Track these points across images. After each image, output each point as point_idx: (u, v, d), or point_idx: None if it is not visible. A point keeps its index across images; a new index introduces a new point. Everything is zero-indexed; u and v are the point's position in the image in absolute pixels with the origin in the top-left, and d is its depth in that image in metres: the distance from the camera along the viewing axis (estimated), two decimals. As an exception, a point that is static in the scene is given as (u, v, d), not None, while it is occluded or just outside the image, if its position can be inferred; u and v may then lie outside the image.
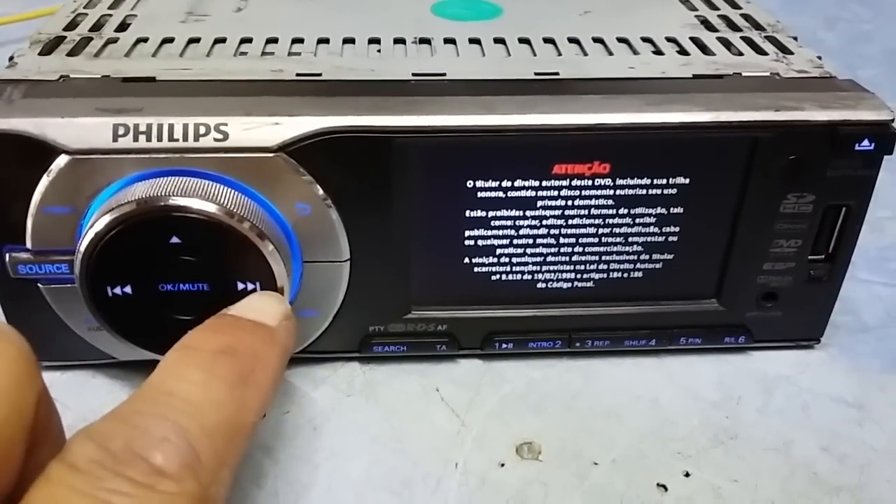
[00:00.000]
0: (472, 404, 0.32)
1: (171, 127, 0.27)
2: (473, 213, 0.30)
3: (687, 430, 0.31)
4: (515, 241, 0.31)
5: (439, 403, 0.32)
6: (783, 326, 0.33)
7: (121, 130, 0.27)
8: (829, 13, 0.70)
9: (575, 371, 0.34)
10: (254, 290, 0.28)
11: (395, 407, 0.32)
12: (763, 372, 0.34)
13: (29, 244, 0.28)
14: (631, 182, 0.30)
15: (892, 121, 0.29)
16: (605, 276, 0.32)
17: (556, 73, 0.31)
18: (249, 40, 0.34)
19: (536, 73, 0.31)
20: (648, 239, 0.31)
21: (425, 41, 0.34)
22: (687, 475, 0.29)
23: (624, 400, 0.32)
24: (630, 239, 0.31)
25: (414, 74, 0.31)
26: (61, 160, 0.27)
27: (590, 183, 0.30)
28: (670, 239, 0.31)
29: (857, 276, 0.39)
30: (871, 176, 0.30)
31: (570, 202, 0.30)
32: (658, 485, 0.29)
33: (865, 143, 0.29)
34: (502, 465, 0.29)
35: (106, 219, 0.26)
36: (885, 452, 0.30)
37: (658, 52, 0.34)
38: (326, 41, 0.34)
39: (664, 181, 0.30)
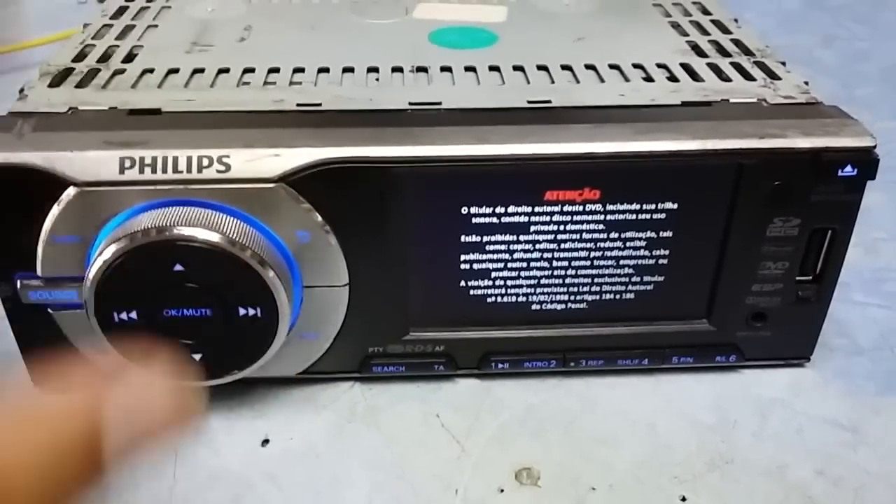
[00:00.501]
0: (472, 430, 0.32)
1: (175, 159, 0.28)
2: (468, 238, 0.31)
3: (683, 454, 0.32)
4: (510, 265, 0.32)
5: (440, 429, 0.32)
6: (773, 346, 0.34)
7: (127, 163, 0.28)
8: (827, 31, 0.71)
9: (573, 396, 0.34)
10: (255, 316, 0.29)
11: (396, 433, 0.32)
12: (758, 395, 0.34)
13: (39, 271, 0.29)
14: (621, 207, 0.31)
15: (874, 147, 0.30)
16: (597, 297, 0.33)
17: (549, 101, 0.32)
18: (252, 70, 0.35)
19: (529, 101, 0.32)
20: (639, 262, 0.32)
21: (422, 69, 0.35)
22: (683, 500, 0.30)
23: (621, 425, 0.33)
24: (621, 262, 0.32)
25: (411, 104, 0.32)
26: (70, 191, 0.28)
27: (581, 208, 0.31)
28: (660, 262, 0.32)
29: (852, 298, 0.39)
30: (855, 200, 0.31)
31: (562, 227, 0.31)
32: (655, 509, 0.29)
33: (848, 168, 0.30)
34: (502, 490, 0.30)
35: (113, 247, 0.27)
36: (880, 475, 0.31)
37: (649, 78, 0.35)
38: (327, 70, 0.35)
39: (653, 206, 0.31)
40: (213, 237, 0.27)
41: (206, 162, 0.28)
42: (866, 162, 0.30)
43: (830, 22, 0.73)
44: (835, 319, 0.36)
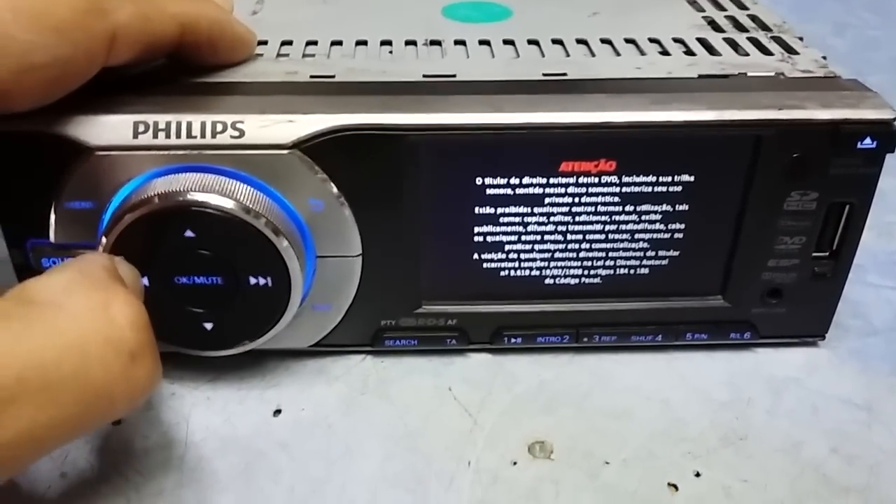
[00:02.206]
0: (485, 403, 0.32)
1: (189, 124, 0.28)
2: (482, 210, 0.31)
3: (697, 430, 0.31)
4: (524, 238, 0.32)
5: (452, 402, 0.32)
6: (788, 323, 0.34)
7: (141, 128, 0.28)
8: (838, 19, 0.70)
9: (586, 372, 0.34)
10: (267, 285, 0.29)
11: (409, 405, 0.32)
12: (772, 373, 0.34)
13: (52, 238, 0.29)
14: (637, 179, 0.31)
15: (894, 119, 0.29)
16: (611, 272, 0.33)
17: (564, 74, 0.32)
18: (265, 42, 0.35)
19: (545, 74, 0.32)
20: (654, 236, 0.32)
21: (436, 43, 0.35)
22: (697, 475, 0.29)
23: (635, 400, 0.33)
24: (636, 236, 0.32)
25: (424, 76, 0.32)
26: (84, 156, 0.28)
27: (596, 180, 0.30)
28: (676, 236, 0.32)
29: (867, 280, 0.39)
30: (874, 173, 0.30)
31: (576, 199, 0.31)
32: (669, 484, 0.29)
33: (867, 141, 0.29)
34: (514, 463, 0.30)
35: (126, 213, 0.27)
36: (894, 453, 0.31)
37: (665, 52, 0.34)
38: (340, 43, 0.35)
39: (669, 178, 0.31)
40: (227, 204, 0.27)
41: (219, 127, 0.28)
42: (886, 134, 0.29)
43: (842, 10, 0.73)
44: (849, 300, 0.36)
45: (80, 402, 0.21)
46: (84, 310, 0.22)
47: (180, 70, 0.31)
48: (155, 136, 0.28)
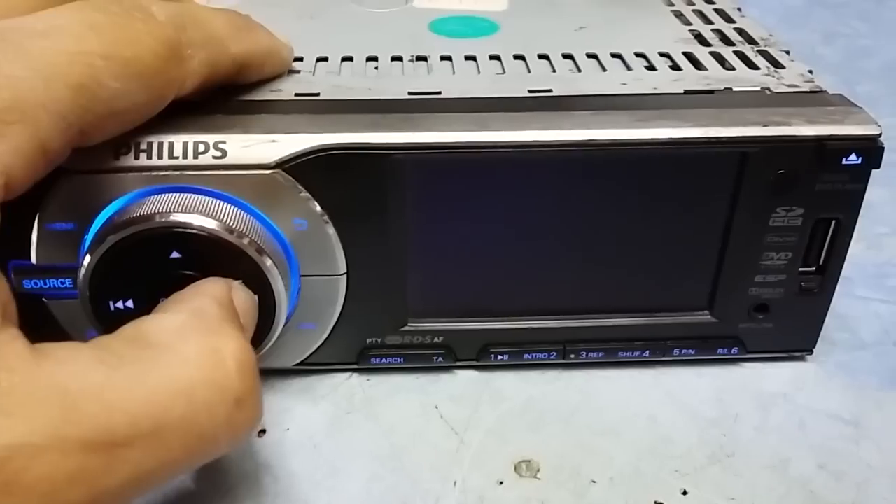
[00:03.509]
0: (471, 421, 0.32)
1: (171, 145, 0.28)
2: (467, 227, 0.31)
3: (685, 447, 0.31)
4: (509, 255, 0.32)
5: (438, 421, 0.32)
6: (776, 338, 0.34)
7: (123, 149, 0.27)
8: (829, 28, 0.70)
9: (573, 388, 0.34)
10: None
11: (395, 424, 0.32)
12: (760, 389, 0.34)
13: (34, 259, 0.29)
14: (623, 195, 0.30)
15: (879, 135, 0.29)
16: (598, 288, 0.33)
17: (550, 90, 0.32)
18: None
19: (530, 91, 0.32)
20: (641, 251, 0.32)
21: (422, 59, 0.35)
22: (684, 493, 0.29)
23: (622, 417, 0.32)
24: (623, 251, 0.32)
25: (410, 93, 0.31)
26: (65, 178, 0.27)
27: (581, 197, 0.30)
28: (663, 251, 0.32)
29: (855, 293, 0.39)
30: (860, 189, 0.30)
31: (563, 216, 0.31)
32: (656, 503, 0.29)
33: (853, 157, 0.29)
34: (501, 482, 0.30)
35: (108, 235, 0.27)
36: (882, 470, 0.30)
37: (651, 67, 0.34)
38: (325, 59, 0.35)
39: (656, 195, 0.31)
40: (210, 224, 0.27)
41: (201, 147, 0.28)
42: (871, 150, 0.29)
43: (833, 19, 0.73)
44: (837, 314, 0.36)
45: (186, 447, 0.22)
46: (195, 355, 0.23)
47: None
48: (136, 157, 0.27)
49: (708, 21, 0.39)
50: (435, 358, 0.33)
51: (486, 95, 0.31)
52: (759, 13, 0.71)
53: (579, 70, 0.34)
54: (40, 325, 0.30)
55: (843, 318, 0.37)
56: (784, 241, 0.31)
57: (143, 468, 0.21)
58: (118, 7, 0.25)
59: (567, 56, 0.35)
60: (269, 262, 0.28)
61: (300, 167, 0.28)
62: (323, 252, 0.30)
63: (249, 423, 0.24)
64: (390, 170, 0.29)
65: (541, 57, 0.35)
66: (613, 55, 0.35)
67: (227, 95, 0.31)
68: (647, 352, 0.34)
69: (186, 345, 0.23)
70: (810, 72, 0.34)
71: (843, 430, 0.32)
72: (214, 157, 0.28)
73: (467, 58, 0.35)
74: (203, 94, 0.29)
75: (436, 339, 0.33)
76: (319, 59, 0.35)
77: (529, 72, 0.34)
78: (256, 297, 0.28)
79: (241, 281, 0.27)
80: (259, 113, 0.29)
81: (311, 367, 0.33)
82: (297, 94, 0.31)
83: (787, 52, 0.36)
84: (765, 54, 0.35)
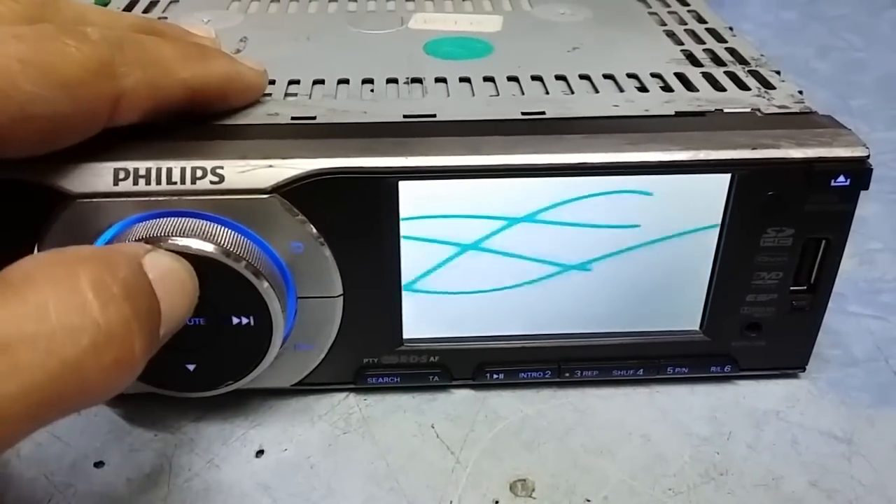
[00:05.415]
0: (467, 441, 0.32)
1: (168, 171, 0.28)
2: (461, 248, 0.31)
3: (678, 466, 0.31)
4: (504, 275, 0.32)
5: (434, 440, 0.32)
6: (768, 355, 0.34)
7: (121, 174, 0.28)
8: (823, 42, 0.71)
9: (568, 407, 0.34)
10: (249, 326, 0.29)
11: (391, 444, 0.32)
12: (753, 407, 0.34)
13: (34, 283, 0.29)
14: (617, 220, 0.31)
15: (867, 157, 0.30)
16: (593, 307, 0.33)
17: (543, 113, 0.32)
18: (248, 82, 0.35)
19: (523, 113, 0.32)
20: (634, 272, 0.32)
21: (417, 80, 0.35)
22: (678, 512, 0.30)
23: (616, 436, 0.33)
24: (617, 272, 0.32)
25: (405, 116, 0.32)
26: (64, 204, 0.28)
27: (574, 218, 0.31)
28: (655, 272, 0.32)
29: (847, 309, 0.40)
30: (849, 210, 0.31)
31: (556, 236, 0.31)
32: (649, 521, 0.29)
33: (841, 179, 0.30)
34: (496, 502, 0.30)
35: (107, 259, 0.27)
36: (874, 487, 0.31)
37: (643, 88, 0.35)
38: (322, 82, 0.35)
39: (648, 217, 0.31)
40: (208, 248, 0.28)
41: (199, 173, 0.28)
42: (859, 172, 0.30)
43: (826, 32, 0.73)
44: (829, 330, 0.36)
45: (45, 368, 0.20)
46: (51, 281, 0.21)
47: None
48: (135, 182, 0.28)
49: (700, 41, 0.40)
50: (431, 377, 0.34)
51: (480, 118, 0.32)
52: (754, 27, 0.72)
53: (572, 92, 0.35)
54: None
55: (836, 335, 0.38)
56: (775, 261, 0.32)
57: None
58: (52, 26, 0.25)
59: (560, 77, 0.36)
60: (265, 285, 0.28)
61: (296, 191, 0.29)
62: (319, 274, 0.30)
63: (124, 360, 0.22)
64: (385, 192, 0.29)
65: (534, 78, 0.36)
66: (606, 76, 0.36)
67: (223, 121, 0.31)
68: (641, 370, 0.34)
69: (42, 275, 0.22)
70: (800, 92, 0.34)
71: (836, 448, 0.32)
72: (212, 183, 0.28)
73: (462, 79, 0.36)
74: (159, 119, 0.29)
75: (431, 359, 0.34)
76: (316, 82, 0.35)
77: (523, 93, 0.35)
78: (185, 262, 0.26)
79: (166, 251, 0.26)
80: (256, 138, 0.30)
81: (309, 387, 0.34)
82: (293, 118, 0.32)
83: (778, 73, 0.36)
84: (755, 74, 0.36)
